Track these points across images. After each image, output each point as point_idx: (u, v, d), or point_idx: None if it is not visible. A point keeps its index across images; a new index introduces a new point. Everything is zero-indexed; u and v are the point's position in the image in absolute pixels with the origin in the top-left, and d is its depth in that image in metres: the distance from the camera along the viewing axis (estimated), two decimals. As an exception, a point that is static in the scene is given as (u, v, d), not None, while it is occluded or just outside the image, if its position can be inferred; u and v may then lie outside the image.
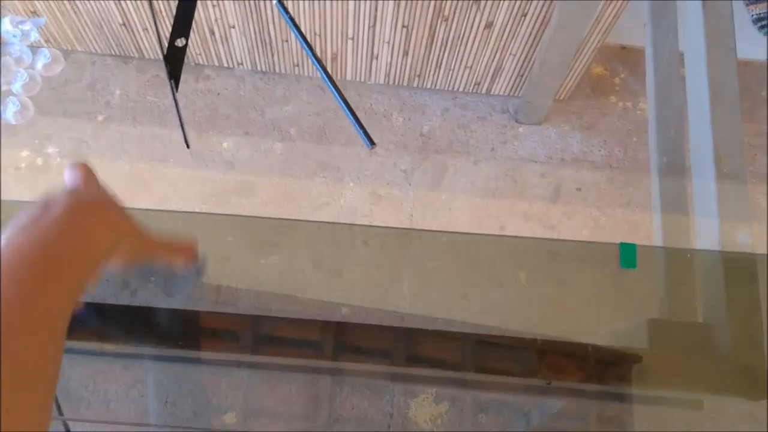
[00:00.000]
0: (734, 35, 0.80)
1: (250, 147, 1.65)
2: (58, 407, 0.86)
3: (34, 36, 0.68)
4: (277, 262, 1.26)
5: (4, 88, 0.63)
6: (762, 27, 1.63)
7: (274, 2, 0.74)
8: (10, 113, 0.66)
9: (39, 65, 0.68)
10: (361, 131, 0.68)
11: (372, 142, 0.68)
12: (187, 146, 0.70)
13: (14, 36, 0.65)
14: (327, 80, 0.69)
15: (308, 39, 1.53)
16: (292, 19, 0.71)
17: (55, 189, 0.42)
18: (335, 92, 0.69)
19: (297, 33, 0.70)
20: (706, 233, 0.73)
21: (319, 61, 0.70)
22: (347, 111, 0.68)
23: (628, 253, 0.67)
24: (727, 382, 0.68)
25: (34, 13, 1.48)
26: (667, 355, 0.70)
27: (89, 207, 0.42)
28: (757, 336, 0.69)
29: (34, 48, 0.71)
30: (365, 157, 1.68)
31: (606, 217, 1.65)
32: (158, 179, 1.60)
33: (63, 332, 0.38)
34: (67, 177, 0.46)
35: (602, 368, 0.69)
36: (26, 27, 0.66)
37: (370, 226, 1.60)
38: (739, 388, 0.68)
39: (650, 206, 1.66)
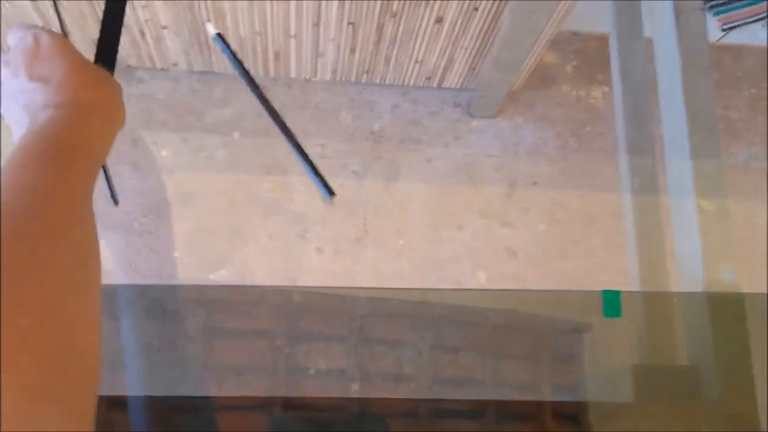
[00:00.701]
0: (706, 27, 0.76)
1: (190, 154, 1.55)
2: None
3: None
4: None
5: None
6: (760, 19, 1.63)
7: (212, 34, 0.65)
8: None
9: None
10: (318, 181, 0.61)
11: (331, 193, 0.62)
12: (116, 203, 0.62)
13: None
14: (278, 124, 0.62)
15: (250, 40, 1.44)
16: (234, 55, 0.63)
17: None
18: (287, 136, 0.62)
19: (241, 71, 0.63)
20: (687, 268, 0.70)
21: (266, 102, 0.62)
22: (303, 160, 0.61)
23: (612, 302, 0.63)
24: (715, 423, 0.66)
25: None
26: (655, 404, 0.67)
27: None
28: (747, 380, 0.66)
29: None
30: (314, 158, 1.60)
31: (562, 210, 1.62)
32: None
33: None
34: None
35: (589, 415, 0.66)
36: None
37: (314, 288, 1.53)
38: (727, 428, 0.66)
39: (606, 196, 1.64)
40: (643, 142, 0.94)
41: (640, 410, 0.64)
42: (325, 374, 0.94)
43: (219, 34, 0.66)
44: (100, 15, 0.56)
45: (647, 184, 0.89)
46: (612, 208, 1.63)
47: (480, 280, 1.54)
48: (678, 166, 0.74)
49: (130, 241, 1.47)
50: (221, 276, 1.50)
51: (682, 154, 0.75)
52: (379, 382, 0.89)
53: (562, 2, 1.31)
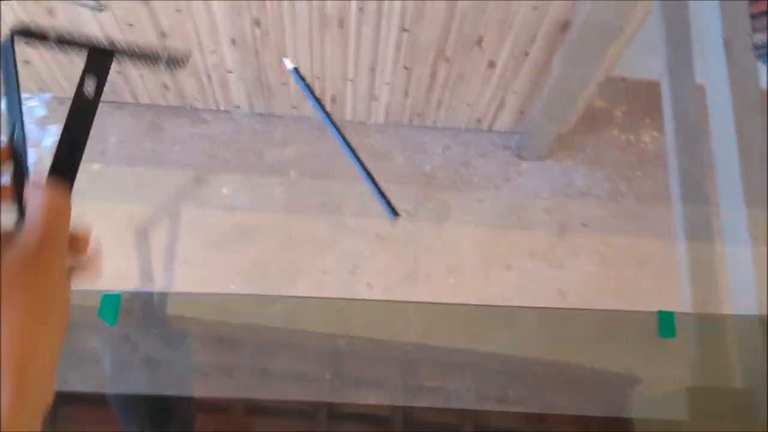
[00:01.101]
0: (756, 72, 0.79)
1: (249, 190, 1.62)
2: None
3: (41, 111, 0.64)
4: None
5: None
6: (761, 56, 1.63)
7: (290, 68, 0.71)
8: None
9: (47, 141, 0.64)
10: (383, 202, 0.65)
11: (395, 213, 0.66)
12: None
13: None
14: (347, 149, 0.67)
15: (309, 83, 1.51)
16: (308, 87, 0.69)
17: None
18: (356, 161, 0.66)
19: (316, 103, 0.68)
20: (743, 301, 0.71)
21: (339, 131, 0.67)
22: (370, 182, 0.65)
23: (666, 322, 0.64)
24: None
25: (27, 62, 1.45)
26: (709, 424, 0.67)
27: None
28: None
29: (41, 124, 0.67)
30: (367, 197, 1.65)
31: (613, 251, 1.62)
32: (157, 225, 1.57)
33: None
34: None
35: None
36: (32, 103, 0.63)
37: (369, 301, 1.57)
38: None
39: (657, 238, 1.64)
40: (696, 187, 0.95)
41: (694, 429, 0.65)
42: (368, 419, 0.96)
43: (296, 69, 0.71)
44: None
45: (701, 228, 0.90)
46: (663, 252, 1.62)
47: (529, 319, 1.54)
48: (731, 200, 0.75)
49: (187, 273, 1.53)
50: (276, 309, 1.54)
51: (735, 195, 0.76)
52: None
53: (612, 48, 1.35)
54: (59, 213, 0.36)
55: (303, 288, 1.55)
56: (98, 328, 0.75)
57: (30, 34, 0.41)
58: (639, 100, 1.75)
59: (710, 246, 0.89)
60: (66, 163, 0.39)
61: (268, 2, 1.25)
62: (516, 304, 1.56)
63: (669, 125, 1.07)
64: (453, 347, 0.93)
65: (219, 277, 1.56)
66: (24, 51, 1.44)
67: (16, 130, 0.39)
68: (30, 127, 0.66)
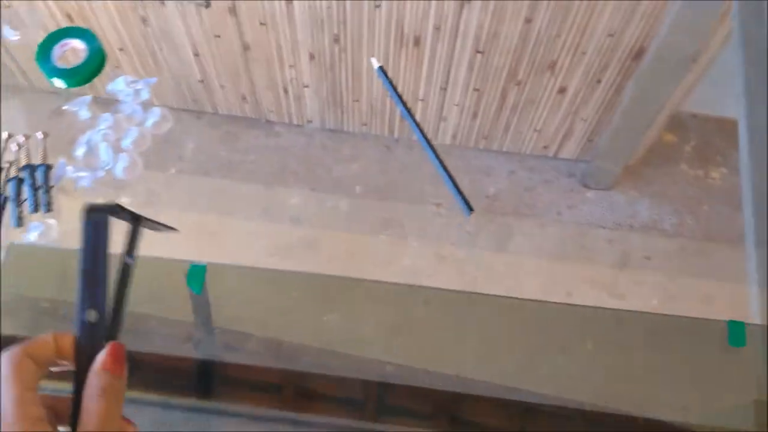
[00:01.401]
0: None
1: (316, 203, 1.67)
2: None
3: (146, 95, 0.70)
4: (338, 319, 1.25)
5: (115, 144, 0.65)
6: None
7: (376, 67, 0.75)
8: (120, 168, 0.67)
9: (149, 123, 0.70)
10: (460, 197, 0.68)
11: (470, 209, 0.68)
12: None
13: (127, 95, 0.68)
14: (426, 144, 0.70)
15: (380, 101, 1.56)
16: (393, 86, 0.72)
17: None
18: (434, 157, 0.69)
19: (397, 99, 0.71)
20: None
21: (418, 125, 0.70)
22: (447, 177, 0.68)
23: (737, 331, 0.64)
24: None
25: (117, 68, 1.54)
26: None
27: None
28: None
29: (145, 106, 0.73)
30: (430, 216, 1.68)
31: (677, 287, 1.60)
32: (226, 231, 1.62)
33: None
34: None
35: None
36: (138, 86, 0.69)
37: (433, 288, 1.58)
38: None
39: (725, 278, 1.60)
40: None
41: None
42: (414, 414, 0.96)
43: (381, 67, 0.75)
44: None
45: None
46: (730, 291, 1.59)
47: (588, 347, 1.53)
48: None
49: (251, 295, 1.57)
50: (333, 319, 1.57)
51: None
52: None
53: (685, 79, 1.35)
54: (112, 416, 0.39)
55: (361, 301, 1.57)
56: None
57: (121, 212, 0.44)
58: (710, 136, 1.73)
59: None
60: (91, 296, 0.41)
61: (348, 18, 1.31)
62: (575, 332, 1.54)
63: (744, 169, 1.05)
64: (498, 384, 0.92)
65: (282, 285, 1.60)
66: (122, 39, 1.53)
67: (91, 320, 0.40)
68: (135, 108, 0.71)
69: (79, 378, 0.40)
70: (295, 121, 1.72)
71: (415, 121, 0.71)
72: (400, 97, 0.72)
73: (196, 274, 0.71)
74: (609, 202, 1.67)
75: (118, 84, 0.67)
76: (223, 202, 1.66)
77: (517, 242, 1.65)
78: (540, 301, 1.01)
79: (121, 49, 1.48)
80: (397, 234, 1.65)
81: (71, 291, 0.89)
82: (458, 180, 1.73)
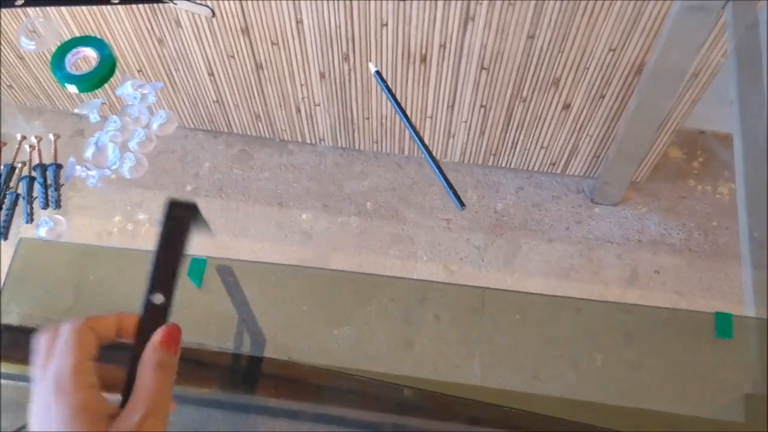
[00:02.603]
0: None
1: (327, 219, 1.70)
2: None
3: (152, 98, 0.74)
4: (350, 334, 1.27)
5: (122, 145, 0.69)
6: None
7: (372, 71, 0.78)
8: (125, 168, 0.71)
9: (155, 125, 0.74)
10: (451, 192, 0.71)
11: (462, 204, 0.71)
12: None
13: (134, 98, 0.72)
14: (417, 141, 0.73)
15: (389, 120, 1.60)
16: (390, 91, 0.76)
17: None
18: (426, 152, 0.72)
19: (393, 101, 0.75)
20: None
21: (409, 121, 0.73)
22: (437, 171, 0.71)
23: (723, 323, 0.66)
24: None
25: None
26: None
27: None
28: None
29: (151, 109, 0.77)
30: (439, 232, 1.70)
31: (686, 301, 1.60)
32: (240, 248, 1.66)
33: None
34: None
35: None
36: (145, 90, 0.73)
37: (444, 283, 1.60)
38: None
39: (733, 293, 1.60)
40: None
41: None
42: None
43: (377, 72, 0.79)
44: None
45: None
46: (739, 305, 1.59)
47: (597, 362, 1.53)
48: None
49: (265, 291, 1.60)
50: (343, 332, 1.59)
51: None
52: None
53: (686, 92, 1.37)
54: (164, 391, 0.43)
55: (371, 314, 1.60)
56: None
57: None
58: (717, 152, 1.74)
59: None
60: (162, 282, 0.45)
61: (356, 36, 1.36)
62: (583, 346, 1.55)
63: (740, 180, 1.07)
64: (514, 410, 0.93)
65: (293, 298, 1.63)
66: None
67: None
68: (142, 110, 0.75)
69: (136, 353, 0.43)
70: (308, 140, 1.77)
71: (405, 114, 0.74)
72: (394, 98, 0.75)
73: (197, 268, 0.74)
74: (617, 218, 1.68)
75: (125, 88, 0.71)
76: (236, 219, 1.71)
77: (525, 257, 1.66)
78: (531, 293, 1.03)
79: (139, 71, 1.54)
80: (406, 249, 1.68)
81: (78, 284, 0.93)
82: (467, 197, 1.76)
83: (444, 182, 0.71)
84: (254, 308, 1.01)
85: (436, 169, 0.71)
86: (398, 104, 0.75)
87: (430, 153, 0.72)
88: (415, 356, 1.25)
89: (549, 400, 0.91)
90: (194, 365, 0.86)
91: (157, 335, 0.44)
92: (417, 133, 0.74)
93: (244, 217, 1.70)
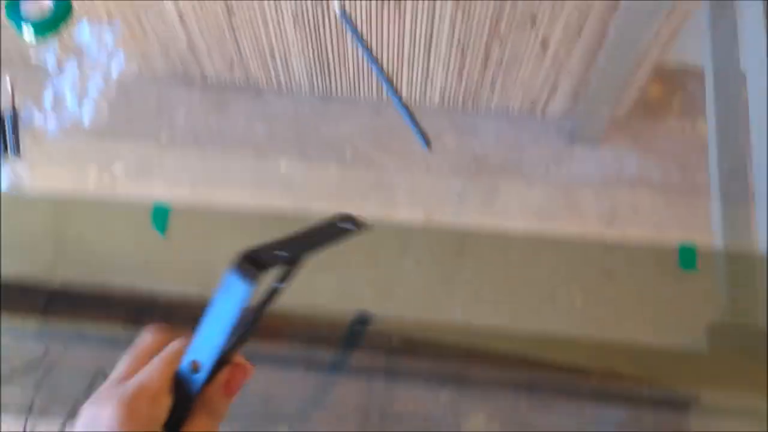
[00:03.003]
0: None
1: (306, 166, 1.69)
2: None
3: (110, 43, 0.72)
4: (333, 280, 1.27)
5: (80, 91, 0.67)
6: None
7: (338, 12, 0.76)
8: (85, 114, 0.69)
9: (114, 70, 0.72)
10: (419, 134, 0.70)
11: (428, 144, 0.70)
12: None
13: (92, 43, 0.69)
14: (383, 79, 0.71)
15: (366, 64, 1.57)
16: (354, 28, 0.74)
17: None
18: (392, 93, 0.71)
19: (358, 39, 0.73)
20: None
21: (375, 60, 0.72)
22: (404, 112, 0.70)
23: (687, 255, 0.66)
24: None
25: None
26: (729, 360, 0.68)
27: None
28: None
29: (109, 54, 0.75)
30: (419, 178, 1.69)
31: (663, 237, 1.61)
32: (217, 198, 1.65)
33: None
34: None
35: (658, 370, 0.68)
36: (104, 35, 0.70)
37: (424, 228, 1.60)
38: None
39: (712, 229, 1.62)
40: (737, 184, 0.95)
41: (713, 362, 0.66)
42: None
43: (343, 11, 0.77)
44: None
45: (739, 228, 0.90)
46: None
47: (576, 301, 1.55)
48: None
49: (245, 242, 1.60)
50: (325, 281, 1.60)
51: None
52: None
53: (664, 25, 1.35)
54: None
55: (353, 261, 1.60)
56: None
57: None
58: (697, 88, 1.73)
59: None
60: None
61: (328, -24, 1.32)
62: (562, 285, 1.56)
63: (711, 119, 1.06)
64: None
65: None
66: None
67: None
68: (100, 55, 0.73)
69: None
70: (284, 87, 1.74)
71: (378, 64, 0.73)
72: (362, 39, 0.73)
73: (160, 215, 0.73)
74: (596, 157, 1.68)
75: (83, 33, 0.69)
76: (213, 168, 1.69)
77: (505, 201, 1.66)
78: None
79: (106, 17, 1.49)
80: (386, 195, 1.67)
81: (57, 241, 0.92)
82: (446, 141, 1.75)
83: (410, 122, 0.69)
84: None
85: (402, 108, 0.70)
86: (360, 40, 0.73)
87: (394, 89, 0.71)
88: (397, 300, 1.25)
89: (528, 337, 0.92)
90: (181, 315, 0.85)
91: (225, 374, 0.43)
92: (382, 71, 0.72)
93: (221, 167, 1.68)
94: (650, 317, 0.76)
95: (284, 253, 0.43)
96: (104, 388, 0.42)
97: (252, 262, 0.40)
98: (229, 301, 0.40)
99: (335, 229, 0.42)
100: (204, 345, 0.41)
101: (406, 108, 0.70)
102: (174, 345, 0.44)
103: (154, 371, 0.42)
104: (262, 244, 0.41)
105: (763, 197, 0.75)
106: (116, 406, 0.39)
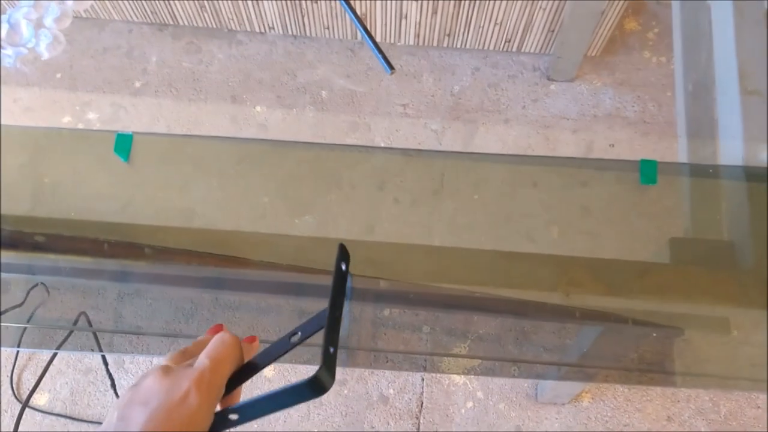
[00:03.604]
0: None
1: (282, 110, 1.68)
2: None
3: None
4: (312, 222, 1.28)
5: (36, 21, 0.66)
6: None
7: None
8: (42, 46, 0.69)
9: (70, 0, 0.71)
10: (380, 56, 0.70)
11: (391, 67, 0.70)
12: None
13: (46, -28, 0.68)
14: (345, 5, 0.71)
15: (337, 3, 1.55)
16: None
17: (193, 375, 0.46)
18: (353, 16, 0.70)
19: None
20: (730, 152, 0.73)
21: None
22: (366, 36, 0.69)
23: (648, 169, 0.67)
24: (751, 295, 0.68)
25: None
26: (690, 271, 0.70)
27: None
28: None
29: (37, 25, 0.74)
30: (396, 117, 1.69)
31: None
32: (193, 141, 1.64)
33: None
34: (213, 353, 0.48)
35: (624, 282, 0.70)
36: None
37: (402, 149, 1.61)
38: (763, 301, 0.68)
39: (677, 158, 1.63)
40: (700, 105, 0.95)
41: (675, 272, 0.68)
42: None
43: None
44: None
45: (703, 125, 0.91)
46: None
47: (553, 234, 1.57)
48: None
49: (223, 184, 1.60)
50: (306, 221, 1.61)
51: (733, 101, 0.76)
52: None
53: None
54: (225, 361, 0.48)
55: (333, 200, 1.61)
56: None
57: None
58: (670, 24, 1.72)
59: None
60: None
61: None
62: (540, 219, 1.58)
63: (677, 44, 1.06)
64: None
65: (253, 190, 1.63)
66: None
67: None
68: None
69: None
70: (256, 29, 1.71)
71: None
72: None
73: (123, 143, 0.74)
74: (572, 93, 1.68)
75: (36, -40, 0.68)
76: (189, 114, 1.68)
77: (483, 138, 1.67)
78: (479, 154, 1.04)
79: None
80: (364, 136, 1.67)
81: (32, 167, 0.92)
82: (423, 79, 1.74)
83: (373, 47, 0.69)
84: (211, 197, 1.01)
85: (363, 32, 0.70)
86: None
87: (357, 17, 0.70)
88: (376, 238, 1.26)
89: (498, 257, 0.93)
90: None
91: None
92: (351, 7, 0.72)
93: (196, 112, 1.67)
94: (614, 231, 0.77)
95: None
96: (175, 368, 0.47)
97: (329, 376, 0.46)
98: (291, 399, 0.46)
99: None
100: (249, 410, 0.46)
101: (369, 33, 0.69)
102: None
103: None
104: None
105: (725, 117, 0.76)
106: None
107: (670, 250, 0.70)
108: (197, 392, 0.44)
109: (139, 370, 1.51)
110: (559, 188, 0.85)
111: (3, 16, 0.66)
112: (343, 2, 0.71)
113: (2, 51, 0.65)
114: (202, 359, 0.47)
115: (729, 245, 0.71)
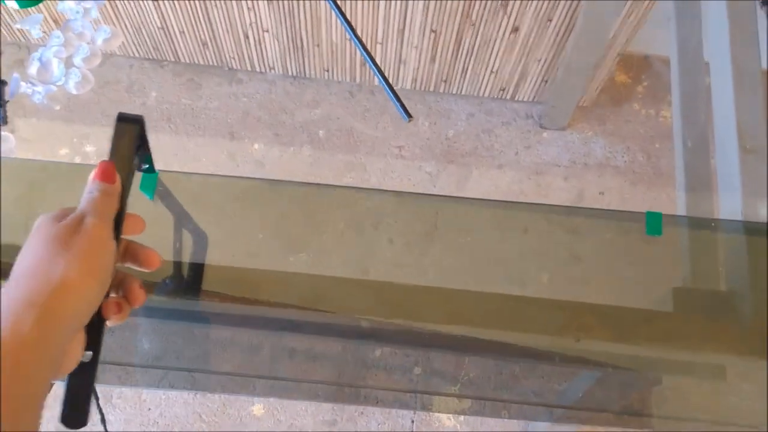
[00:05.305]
0: (756, 20, 0.83)
1: (279, 148, 1.70)
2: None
3: (95, 13, 0.73)
4: (307, 260, 1.28)
5: (66, 61, 0.68)
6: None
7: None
8: (71, 84, 0.70)
9: (99, 40, 0.72)
10: (398, 104, 0.72)
11: (409, 115, 0.72)
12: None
13: (77, 12, 0.70)
14: (365, 54, 0.73)
15: (340, 47, 1.59)
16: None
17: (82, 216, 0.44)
18: (373, 66, 0.73)
19: (340, 15, 0.75)
20: (729, 207, 0.76)
21: (359, 39, 0.74)
22: (384, 84, 0.72)
23: (654, 221, 0.70)
24: (749, 345, 0.71)
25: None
26: (692, 321, 0.72)
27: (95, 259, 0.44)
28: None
29: (94, 24, 0.76)
30: (391, 159, 1.72)
31: (630, 221, 1.66)
32: (192, 177, 1.65)
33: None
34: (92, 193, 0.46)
35: (629, 328, 0.72)
36: (87, 4, 0.71)
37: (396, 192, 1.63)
38: (761, 351, 0.70)
39: (674, 210, 1.68)
40: (699, 161, 0.99)
41: (678, 320, 0.70)
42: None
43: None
44: None
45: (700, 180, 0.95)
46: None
47: (543, 280, 1.59)
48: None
49: (220, 221, 1.61)
50: (300, 259, 1.62)
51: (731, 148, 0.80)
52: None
53: (631, 14, 1.40)
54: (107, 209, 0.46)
55: (328, 239, 1.62)
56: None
57: None
58: (661, 76, 1.79)
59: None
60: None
61: (304, -42, 1.33)
62: (531, 265, 1.61)
63: (675, 100, 1.10)
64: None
65: (248, 227, 1.64)
66: None
67: None
68: (85, 25, 0.74)
69: None
70: (257, 68, 1.74)
71: (358, 37, 0.75)
72: (342, 13, 0.75)
73: (149, 180, 0.75)
74: (564, 142, 1.72)
75: (66, 2, 0.70)
76: (187, 150, 1.69)
77: (476, 182, 1.70)
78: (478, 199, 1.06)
79: None
80: (359, 176, 1.69)
81: (29, 199, 0.92)
82: (419, 123, 1.77)
83: (392, 95, 0.72)
84: (211, 233, 1.01)
85: (382, 80, 0.72)
86: (344, 18, 0.75)
87: (375, 64, 0.73)
88: (370, 277, 1.27)
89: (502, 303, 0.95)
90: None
91: (91, 175, 0.47)
92: (362, 44, 0.75)
93: (194, 148, 1.69)
94: (618, 281, 0.80)
95: None
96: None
97: None
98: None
99: None
100: None
101: (385, 78, 0.72)
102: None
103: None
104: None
105: (724, 172, 0.79)
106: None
107: (673, 299, 0.72)
108: (93, 215, 0.44)
109: (128, 405, 1.49)
110: (563, 234, 0.88)
111: (34, 54, 0.68)
112: (363, 52, 0.74)
113: (33, 88, 0.66)
114: (85, 198, 0.46)
115: (728, 295, 0.73)
